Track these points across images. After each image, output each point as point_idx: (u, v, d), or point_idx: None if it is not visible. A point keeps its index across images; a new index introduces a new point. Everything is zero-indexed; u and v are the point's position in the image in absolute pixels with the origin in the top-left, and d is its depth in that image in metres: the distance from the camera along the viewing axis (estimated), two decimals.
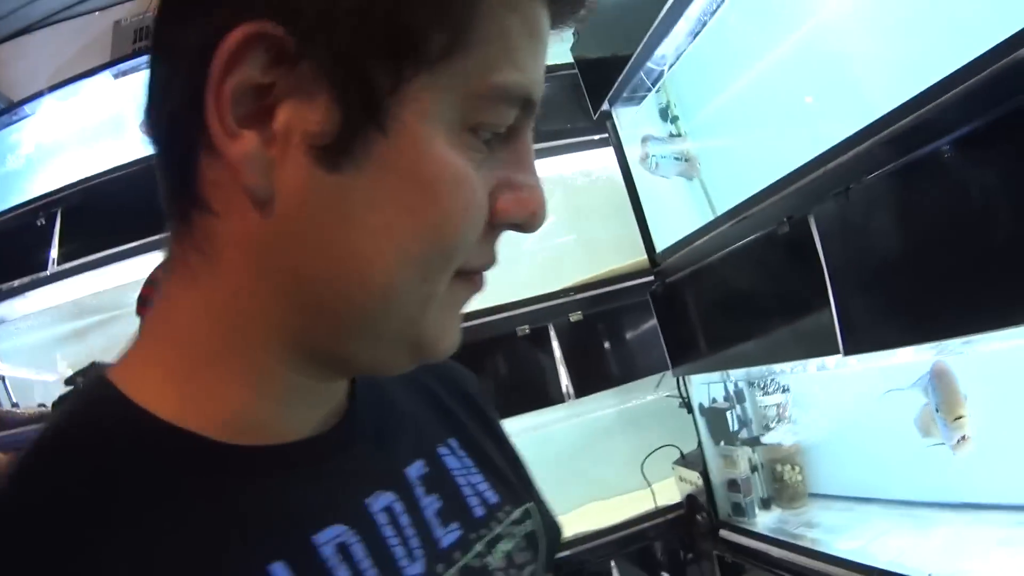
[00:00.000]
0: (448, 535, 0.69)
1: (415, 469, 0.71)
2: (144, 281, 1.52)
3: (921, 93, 1.28)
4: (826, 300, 1.55)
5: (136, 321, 2.43)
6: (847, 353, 1.54)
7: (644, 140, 2.26)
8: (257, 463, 0.58)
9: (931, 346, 1.55)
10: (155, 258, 2.79)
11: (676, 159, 2.13)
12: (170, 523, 0.51)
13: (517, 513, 0.78)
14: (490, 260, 0.61)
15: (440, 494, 0.72)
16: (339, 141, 0.51)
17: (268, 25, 0.48)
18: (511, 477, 0.84)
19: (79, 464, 0.52)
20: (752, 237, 1.83)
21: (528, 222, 0.60)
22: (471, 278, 0.61)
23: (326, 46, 0.49)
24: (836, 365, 1.94)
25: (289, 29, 0.48)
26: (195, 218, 0.56)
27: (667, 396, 2.66)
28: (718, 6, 1.94)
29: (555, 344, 2.80)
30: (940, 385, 1.57)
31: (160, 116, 0.55)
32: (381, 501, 0.65)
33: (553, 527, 0.86)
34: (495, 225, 0.58)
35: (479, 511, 0.74)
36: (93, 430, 0.55)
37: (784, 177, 1.67)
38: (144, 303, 1.59)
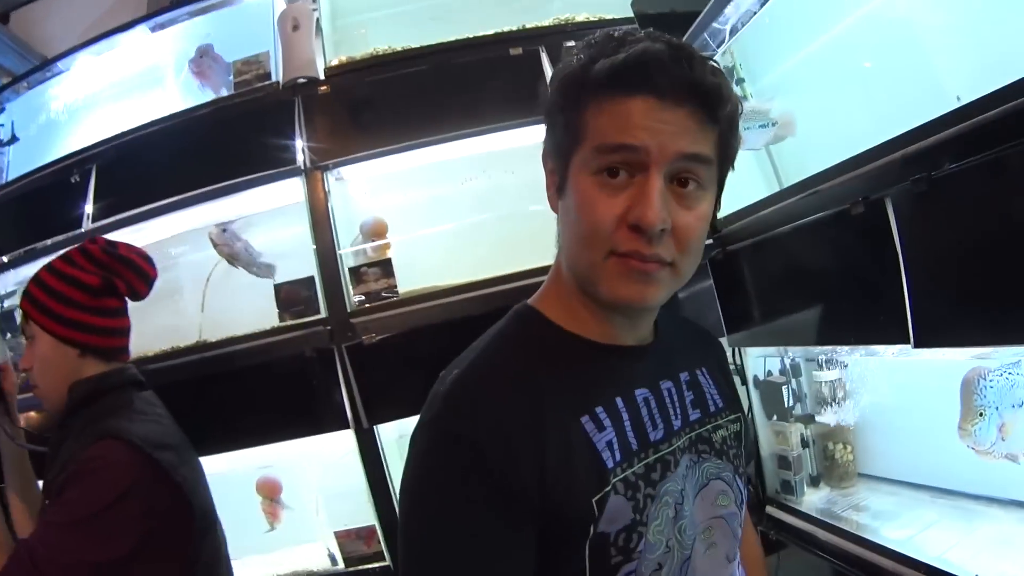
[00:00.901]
0: (694, 414, 1.20)
1: (684, 375, 1.23)
2: None
3: (1017, 82, 1.22)
4: (899, 288, 1.49)
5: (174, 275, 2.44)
6: (917, 345, 1.48)
7: None
8: (612, 352, 1.13)
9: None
10: (190, 214, 2.85)
11: (762, 127, 2.04)
12: (568, 374, 1.07)
13: (732, 416, 1.28)
14: (634, 248, 1.00)
15: (694, 392, 1.23)
16: (560, 185, 1.09)
17: (545, 149, 1.14)
18: (733, 397, 1.32)
19: (527, 342, 1.12)
20: (823, 214, 1.75)
21: (639, 225, 0.98)
22: (625, 259, 1.01)
23: (552, 153, 1.11)
24: (899, 352, 1.89)
25: (546, 148, 1.13)
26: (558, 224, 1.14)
27: None
28: None
29: None
30: (962, 394, 1.58)
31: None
32: (666, 384, 1.18)
33: (751, 435, 1.54)
34: (632, 227, 0.99)
35: (712, 407, 1.25)
36: (528, 327, 1.15)
37: (859, 155, 1.60)
38: None
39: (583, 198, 1.03)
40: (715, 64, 1.04)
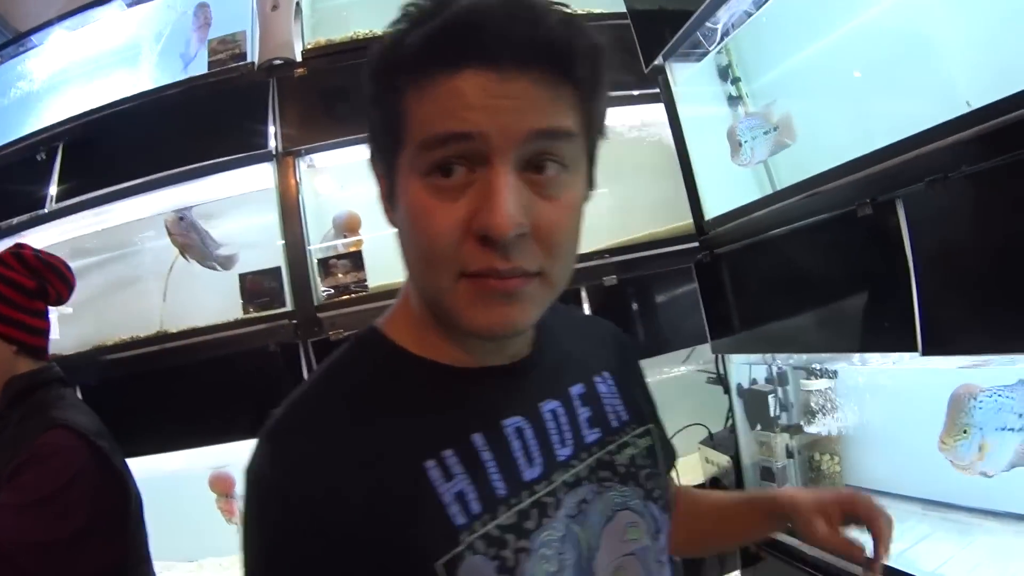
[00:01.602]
0: (591, 435, 1.03)
1: (576, 389, 1.05)
2: None
3: None
4: (907, 293, 1.43)
5: (138, 261, 2.39)
6: (926, 353, 1.41)
7: (730, 133, 2.04)
8: (472, 378, 0.94)
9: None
10: (157, 197, 2.71)
11: (765, 134, 1.96)
12: (414, 409, 0.90)
13: (640, 430, 1.10)
14: (486, 266, 0.80)
15: (591, 407, 1.05)
16: (389, 193, 0.90)
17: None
18: (641, 406, 1.14)
19: (365, 368, 0.94)
20: (824, 216, 1.68)
21: (487, 235, 0.78)
22: (479, 280, 0.82)
23: (376, 155, 0.92)
24: (896, 360, 1.83)
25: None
26: None
27: (698, 371, 2.54)
28: None
29: (586, 308, 2.67)
30: (949, 409, 1.53)
31: None
32: (550, 406, 1.00)
33: (669, 447, 1.24)
34: (481, 239, 0.79)
35: (615, 423, 1.07)
36: (371, 353, 0.96)
37: (864, 156, 1.53)
38: None
39: (415, 209, 0.82)
40: (564, 8, 0.83)
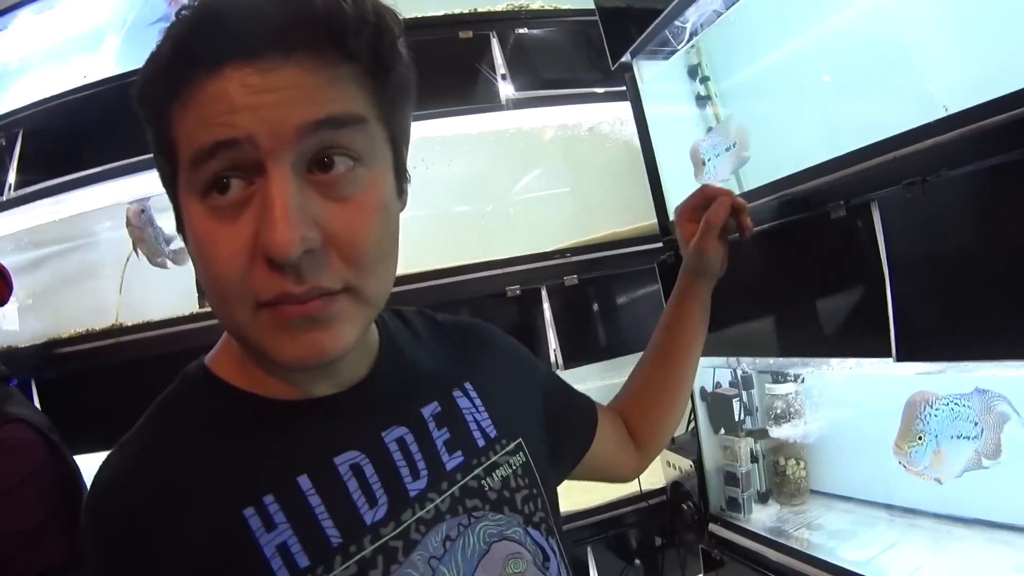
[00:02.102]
0: (452, 460, 0.94)
1: (429, 409, 0.96)
2: None
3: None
4: (881, 298, 1.40)
5: (96, 252, 2.42)
6: (900, 359, 1.39)
7: (693, 152, 1.99)
8: (296, 410, 0.86)
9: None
10: (117, 187, 2.65)
11: (727, 150, 1.94)
12: (234, 451, 0.82)
13: (512, 446, 1.02)
14: (279, 291, 0.72)
15: (450, 428, 0.96)
16: (178, 223, 0.82)
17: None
18: (515, 416, 1.07)
19: (188, 407, 0.87)
20: (795, 217, 1.66)
21: (268, 257, 0.70)
22: (276, 309, 0.73)
23: (165, 187, 0.82)
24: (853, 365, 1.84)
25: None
26: None
27: None
28: None
29: (546, 308, 2.64)
30: (904, 414, 1.51)
31: None
32: (395, 434, 0.91)
33: (582, 416, 1.28)
34: (269, 262, 0.70)
35: (481, 442, 0.99)
36: (195, 390, 0.89)
37: (838, 158, 1.50)
38: None
39: (198, 235, 0.73)
40: None
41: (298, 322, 0.73)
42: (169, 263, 2.65)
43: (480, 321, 1.21)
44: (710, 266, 1.45)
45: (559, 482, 1.19)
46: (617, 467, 1.41)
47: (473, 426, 0.99)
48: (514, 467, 1.00)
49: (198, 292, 2.51)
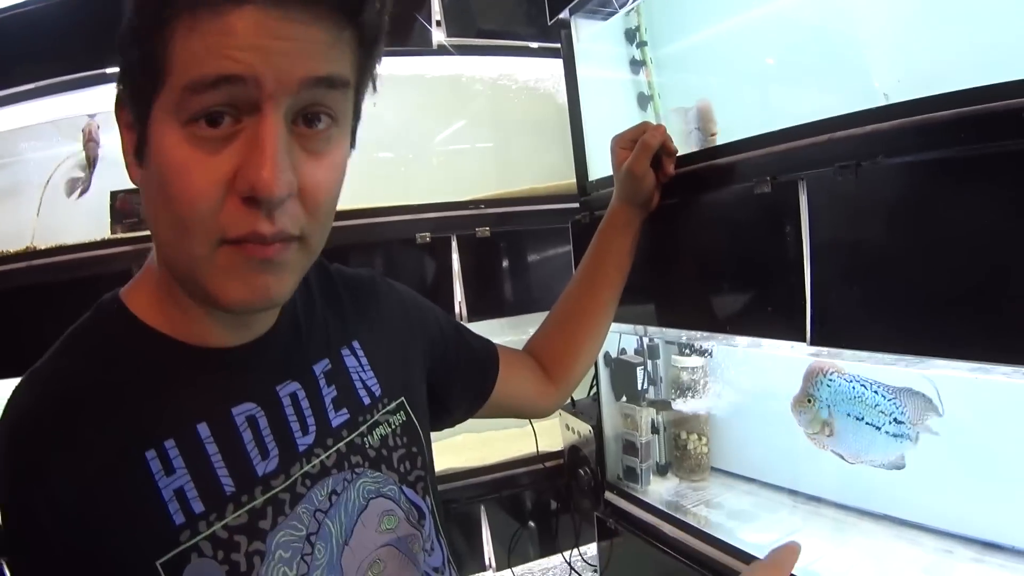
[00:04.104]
0: (339, 417, 0.98)
1: (320, 366, 0.99)
2: None
3: (977, 88, 1.08)
4: (800, 280, 1.35)
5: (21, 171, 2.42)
6: (814, 343, 1.35)
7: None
8: (204, 358, 0.87)
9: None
10: (47, 104, 2.46)
11: (690, 135, 1.85)
12: (140, 390, 0.82)
13: (392, 405, 1.07)
14: (249, 229, 0.74)
15: (337, 386, 1.00)
16: (136, 147, 0.78)
17: (119, 87, 0.80)
18: (404, 373, 1.12)
19: (97, 342, 0.86)
20: (718, 189, 1.59)
21: (253, 196, 0.72)
22: (239, 247, 0.75)
23: (126, 95, 0.79)
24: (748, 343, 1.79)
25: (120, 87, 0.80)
26: None
27: None
28: None
29: (455, 258, 2.56)
30: (804, 376, 1.55)
31: None
32: (288, 389, 0.94)
33: (482, 361, 1.38)
34: (246, 200, 0.72)
35: (366, 400, 1.03)
36: (107, 325, 0.88)
37: (768, 134, 1.45)
38: None
39: (171, 162, 0.73)
40: None
41: (255, 263, 0.76)
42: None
43: (373, 274, 1.22)
44: (640, 191, 1.56)
45: (464, 419, 1.41)
46: (530, 405, 1.55)
47: (359, 384, 1.03)
48: (393, 426, 1.06)
49: (111, 218, 2.43)
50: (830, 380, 1.49)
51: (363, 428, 1.01)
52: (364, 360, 1.06)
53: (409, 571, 1.01)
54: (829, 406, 1.49)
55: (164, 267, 0.86)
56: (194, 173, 0.72)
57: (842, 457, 1.50)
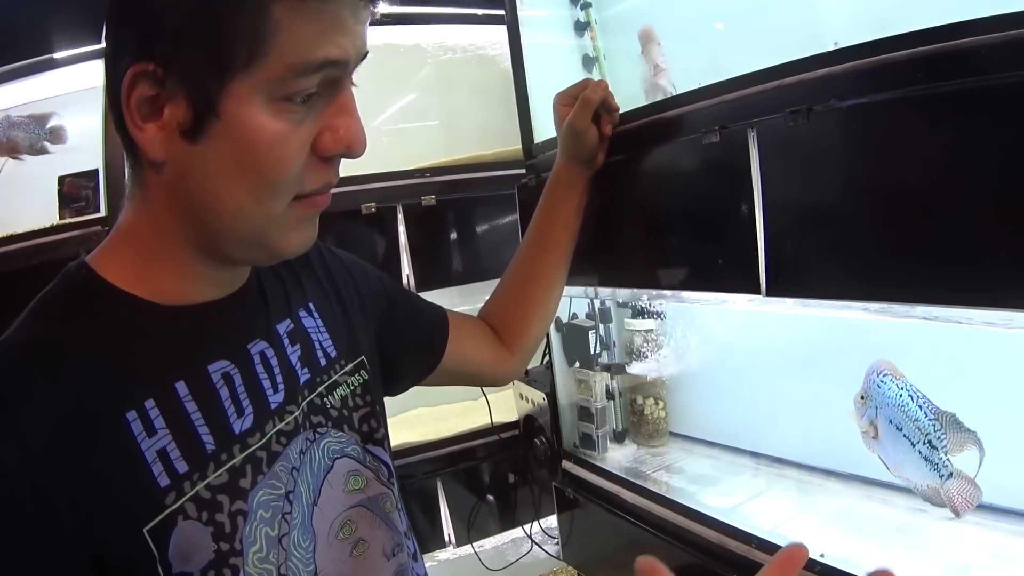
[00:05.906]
0: (303, 376, 0.99)
1: (283, 326, 1.01)
2: None
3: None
4: (752, 231, 1.30)
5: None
6: (770, 294, 1.30)
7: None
8: (178, 315, 0.88)
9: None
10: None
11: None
12: (117, 353, 0.81)
13: (350, 366, 1.10)
14: (327, 182, 0.87)
15: (300, 345, 1.01)
16: (193, 126, 0.77)
17: (143, 65, 0.75)
18: (358, 335, 1.15)
19: (69, 307, 0.85)
20: (666, 143, 1.53)
21: (347, 152, 0.85)
22: (311, 199, 0.86)
23: (177, 71, 0.75)
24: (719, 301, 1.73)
25: (156, 64, 0.75)
26: (138, 169, 0.85)
27: None
28: None
29: (401, 229, 2.50)
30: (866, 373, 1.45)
31: (116, 116, 0.81)
32: (258, 347, 0.95)
33: (431, 327, 1.40)
34: (324, 158, 0.84)
35: (322, 361, 1.05)
36: (76, 290, 0.86)
37: (716, 83, 1.39)
38: None
39: (263, 136, 0.78)
40: None
41: (313, 213, 0.89)
42: (48, 145, 2.45)
43: (316, 242, 1.18)
44: (584, 148, 1.54)
45: (416, 383, 1.40)
46: (487, 371, 1.55)
47: (316, 345, 1.05)
48: (352, 386, 1.09)
49: (59, 203, 2.39)
50: (881, 380, 1.43)
51: (321, 389, 1.03)
52: (319, 322, 1.09)
53: (383, 530, 1.03)
54: (877, 407, 1.44)
55: (183, 237, 0.86)
56: (289, 143, 0.80)
57: (885, 465, 1.46)
